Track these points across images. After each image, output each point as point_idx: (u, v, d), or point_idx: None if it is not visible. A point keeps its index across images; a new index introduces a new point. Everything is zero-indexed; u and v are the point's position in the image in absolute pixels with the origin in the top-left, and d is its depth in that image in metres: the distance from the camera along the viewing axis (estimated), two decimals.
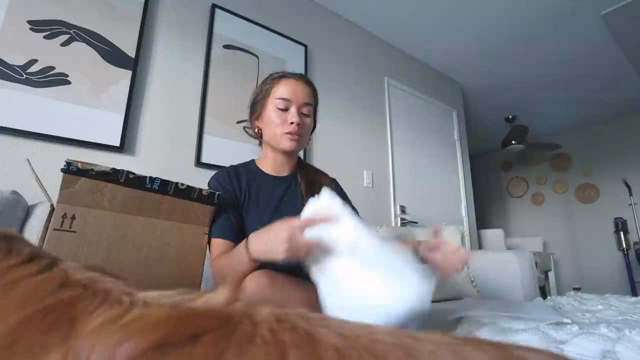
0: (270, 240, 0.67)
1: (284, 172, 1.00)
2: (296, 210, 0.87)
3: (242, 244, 0.74)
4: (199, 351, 0.21)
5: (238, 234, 0.88)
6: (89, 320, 0.24)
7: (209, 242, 0.87)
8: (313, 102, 0.97)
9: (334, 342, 0.21)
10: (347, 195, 1.09)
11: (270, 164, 0.99)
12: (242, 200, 0.93)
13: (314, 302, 0.78)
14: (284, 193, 0.97)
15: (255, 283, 0.68)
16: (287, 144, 0.92)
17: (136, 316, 0.24)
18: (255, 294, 0.67)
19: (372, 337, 0.22)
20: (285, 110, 0.92)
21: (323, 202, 0.65)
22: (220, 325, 0.23)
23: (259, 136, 1.01)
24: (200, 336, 0.22)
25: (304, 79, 0.97)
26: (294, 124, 0.91)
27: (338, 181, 1.12)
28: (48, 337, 0.23)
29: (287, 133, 0.92)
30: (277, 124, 0.92)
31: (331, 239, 0.63)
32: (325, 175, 1.09)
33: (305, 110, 0.94)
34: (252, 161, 1.04)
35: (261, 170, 1.00)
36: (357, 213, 1.07)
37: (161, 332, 0.22)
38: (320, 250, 0.63)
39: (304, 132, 0.95)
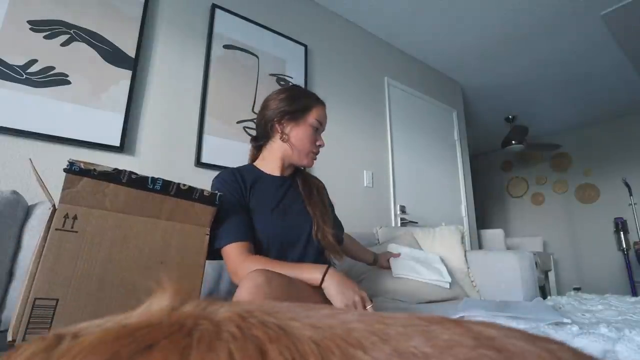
0: (342, 294, 0.78)
1: (285, 174, 1.06)
2: (298, 206, 1.00)
3: (318, 270, 0.81)
4: (157, 356, 0.19)
5: (251, 233, 0.91)
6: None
7: (218, 249, 0.87)
8: None
9: (310, 335, 0.21)
10: (331, 202, 1.16)
11: (274, 166, 1.04)
12: (248, 198, 0.96)
13: (309, 300, 0.78)
14: (286, 192, 1.02)
15: (253, 282, 0.69)
16: (310, 162, 1.04)
17: (68, 346, 0.21)
18: (253, 292, 0.67)
19: (345, 327, 0.22)
20: (317, 131, 1.04)
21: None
22: (173, 331, 0.20)
23: (283, 140, 1.02)
24: (154, 345, 0.19)
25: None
26: (321, 146, 1.04)
27: (326, 186, 1.19)
28: None
29: (313, 152, 1.03)
30: (310, 142, 1.02)
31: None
32: (317, 179, 1.16)
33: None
34: (251, 164, 1.07)
35: (263, 171, 1.03)
36: (341, 225, 1.20)
37: (105, 354, 0.19)
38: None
39: None
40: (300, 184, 1.07)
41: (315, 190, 1.07)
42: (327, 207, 1.07)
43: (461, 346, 0.20)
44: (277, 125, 1.02)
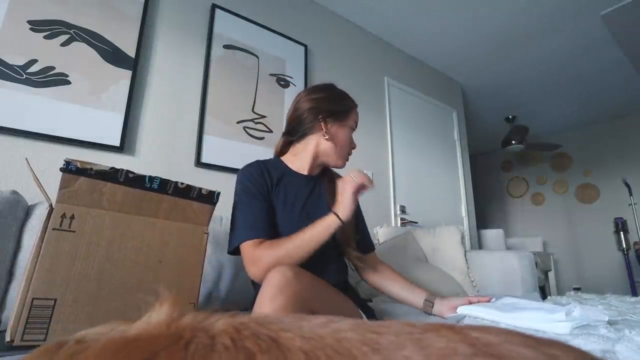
0: (343, 199, 0.84)
1: (313, 173, 1.05)
2: (322, 207, 1.01)
3: (327, 218, 0.84)
4: None
5: (269, 228, 0.90)
6: None
7: (236, 248, 0.88)
8: None
9: (300, 345, 0.21)
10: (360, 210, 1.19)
11: (303, 164, 1.03)
12: (273, 194, 0.95)
13: (336, 297, 0.80)
14: (311, 190, 1.02)
15: (282, 276, 0.69)
16: (344, 163, 1.05)
17: (73, 351, 0.22)
18: (282, 286, 0.67)
19: (336, 336, 0.22)
20: (352, 133, 1.05)
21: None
22: (171, 342, 0.21)
23: (327, 138, 1.00)
24: (153, 357, 0.20)
25: None
26: (354, 149, 1.07)
27: None
28: None
29: (348, 154, 1.05)
30: (349, 143, 1.04)
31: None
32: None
33: None
34: (278, 158, 1.06)
35: (290, 168, 1.03)
36: (364, 223, 1.19)
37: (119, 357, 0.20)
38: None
39: None
40: (327, 188, 1.05)
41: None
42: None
43: (456, 355, 0.19)
44: (321, 123, 0.99)
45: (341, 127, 1.01)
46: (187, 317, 0.24)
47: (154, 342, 0.21)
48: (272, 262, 0.80)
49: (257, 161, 1.01)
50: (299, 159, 1.03)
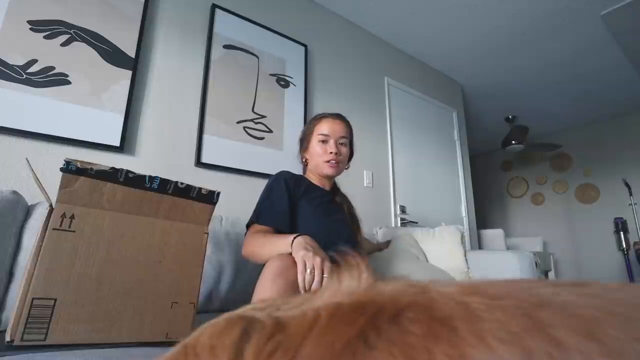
0: (305, 249, 0.81)
1: (327, 187, 1.24)
2: (338, 216, 1.19)
3: (287, 241, 0.85)
4: (414, 327, 0.17)
5: (284, 222, 1.04)
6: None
7: (249, 224, 1.04)
8: (348, 135, 1.22)
9: (585, 302, 0.17)
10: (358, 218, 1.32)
11: (317, 180, 1.23)
12: (299, 195, 1.11)
13: None
14: (329, 201, 1.20)
15: (282, 261, 0.78)
16: (327, 170, 1.17)
17: (302, 322, 0.19)
18: (283, 269, 0.75)
19: (611, 296, 0.18)
20: (325, 142, 1.17)
21: None
22: (409, 303, 0.19)
23: (305, 165, 1.25)
24: (398, 315, 0.18)
25: (340, 117, 1.22)
26: (332, 153, 1.15)
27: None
28: None
29: (327, 161, 1.16)
30: (320, 154, 1.17)
31: None
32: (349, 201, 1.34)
33: (341, 141, 1.19)
34: (303, 174, 1.25)
35: (312, 182, 1.22)
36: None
37: (357, 324, 0.18)
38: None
39: (341, 160, 1.19)
40: (339, 200, 1.26)
41: (352, 210, 1.28)
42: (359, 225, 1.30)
43: None
44: (302, 154, 1.25)
45: (308, 147, 1.20)
46: (382, 284, 0.22)
47: (392, 303, 0.19)
48: (245, 249, 0.96)
49: (290, 172, 1.18)
50: (313, 178, 1.23)
